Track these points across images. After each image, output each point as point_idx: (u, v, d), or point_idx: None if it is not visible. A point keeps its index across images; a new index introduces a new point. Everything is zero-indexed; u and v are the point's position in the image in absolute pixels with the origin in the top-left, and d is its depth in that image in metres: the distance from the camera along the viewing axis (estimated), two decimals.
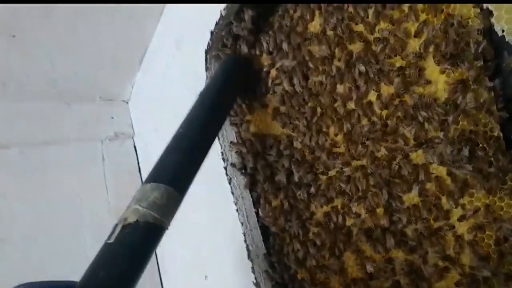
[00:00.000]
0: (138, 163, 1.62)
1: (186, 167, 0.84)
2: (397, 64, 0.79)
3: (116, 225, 0.71)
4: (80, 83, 1.51)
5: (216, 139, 1.08)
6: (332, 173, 0.90)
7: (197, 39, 1.08)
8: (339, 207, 0.89)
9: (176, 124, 1.30)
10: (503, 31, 0.59)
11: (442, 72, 0.73)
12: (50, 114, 1.52)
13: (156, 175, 0.80)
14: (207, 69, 1.08)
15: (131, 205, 0.74)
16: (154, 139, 1.47)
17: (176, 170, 0.82)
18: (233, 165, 1.05)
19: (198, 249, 1.21)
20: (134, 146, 1.63)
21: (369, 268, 0.83)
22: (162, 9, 1.28)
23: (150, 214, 0.72)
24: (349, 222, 0.88)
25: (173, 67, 1.27)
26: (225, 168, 1.07)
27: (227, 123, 1.07)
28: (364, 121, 0.84)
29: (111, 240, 0.69)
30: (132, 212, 0.72)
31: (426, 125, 0.75)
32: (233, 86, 1.02)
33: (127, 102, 1.64)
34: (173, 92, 1.29)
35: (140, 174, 1.61)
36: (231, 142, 1.07)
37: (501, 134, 0.68)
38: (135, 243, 0.69)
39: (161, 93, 1.37)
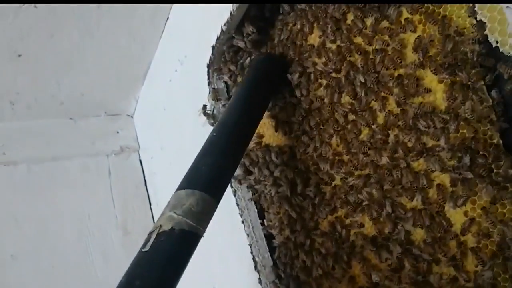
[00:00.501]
0: (144, 176, 1.63)
1: (221, 172, 0.82)
2: (396, 74, 0.80)
3: (151, 232, 0.71)
4: (85, 99, 1.53)
5: None
6: (336, 182, 0.91)
7: (199, 53, 1.10)
8: (344, 216, 0.89)
9: (180, 137, 1.32)
10: (497, 42, 0.60)
11: (440, 81, 0.74)
12: (56, 130, 1.55)
13: (191, 181, 0.79)
14: (209, 83, 1.10)
15: (165, 212, 0.73)
16: (159, 152, 1.48)
17: (211, 175, 0.80)
18: (235, 177, 1.06)
19: (205, 260, 1.21)
20: (140, 160, 1.65)
21: (375, 277, 0.83)
22: (164, 25, 1.30)
23: (186, 221, 0.71)
24: (353, 231, 0.88)
25: (176, 81, 1.29)
26: None
27: None
28: (365, 131, 0.85)
29: (146, 248, 0.68)
30: (167, 219, 0.71)
31: (426, 133, 0.76)
32: (267, 86, 0.98)
33: (131, 117, 1.66)
34: (177, 105, 1.31)
35: (146, 187, 1.63)
36: None
37: (501, 142, 0.69)
38: (170, 251, 0.69)
39: (165, 106, 1.39)
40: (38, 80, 1.36)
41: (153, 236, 0.69)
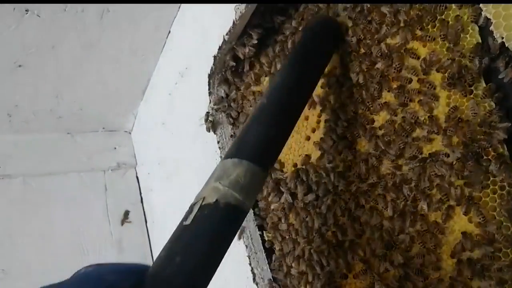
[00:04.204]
0: (140, 193, 1.61)
1: (272, 142, 0.75)
2: (397, 82, 0.80)
3: (194, 204, 0.64)
4: (84, 114, 1.52)
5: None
6: (337, 191, 0.90)
7: (201, 64, 1.10)
8: (345, 225, 0.88)
9: (179, 150, 1.31)
10: (502, 38, 0.61)
11: (444, 88, 0.74)
12: (53, 145, 1.54)
13: (239, 150, 0.71)
14: (210, 93, 1.10)
15: (210, 182, 0.67)
16: (157, 167, 1.47)
17: (261, 145, 0.73)
18: None
19: None
20: (137, 176, 1.63)
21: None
22: (166, 39, 1.31)
23: (232, 194, 0.64)
24: (351, 238, 0.87)
25: (176, 94, 1.29)
26: None
27: (229, 139, 1.07)
28: (367, 140, 0.85)
29: (188, 222, 0.62)
30: (212, 190, 0.64)
31: (430, 139, 0.76)
32: (325, 48, 0.89)
33: (129, 133, 1.65)
34: (176, 118, 1.30)
35: (142, 204, 1.61)
36: None
37: (505, 147, 0.68)
38: (214, 227, 0.62)
39: (163, 121, 1.38)
40: (37, 93, 1.35)
41: (196, 208, 0.63)
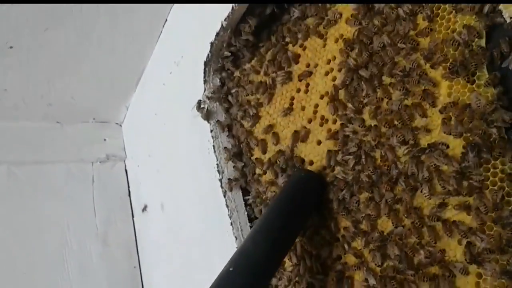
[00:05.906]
0: (129, 186, 1.58)
1: None
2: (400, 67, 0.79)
3: None
4: (74, 104, 1.49)
5: (213, 153, 1.07)
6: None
7: (197, 52, 1.08)
8: (339, 215, 0.86)
9: (171, 141, 1.28)
10: (511, 18, 0.59)
11: (445, 77, 0.73)
12: (42, 133, 1.50)
13: None
14: (205, 81, 1.08)
15: None
16: (147, 160, 1.44)
17: None
18: (230, 180, 1.03)
19: (191, 264, 1.16)
20: (125, 169, 1.60)
21: (371, 281, 0.79)
22: (162, 28, 1.29)
23: None
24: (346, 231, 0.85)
25: (170, 84, 1.26)
26: (220, 180, 1.04)
27: (223, 135, 1.05)
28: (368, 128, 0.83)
29: None
30: None
31: (429, 128, 0.74)
32: (302, 211, 0.84)
33: (120, 125, 1.62)
34: (169, 108, 1.28)
35: (130, 198, 1.57)
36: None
37: (506, 137, 0.67)
38: None
39: (156, 111, 1.36)
40: (28, 77, 1.32)
41: None
